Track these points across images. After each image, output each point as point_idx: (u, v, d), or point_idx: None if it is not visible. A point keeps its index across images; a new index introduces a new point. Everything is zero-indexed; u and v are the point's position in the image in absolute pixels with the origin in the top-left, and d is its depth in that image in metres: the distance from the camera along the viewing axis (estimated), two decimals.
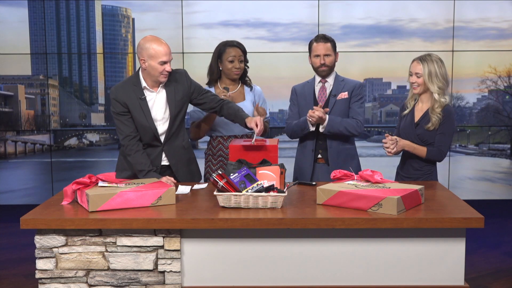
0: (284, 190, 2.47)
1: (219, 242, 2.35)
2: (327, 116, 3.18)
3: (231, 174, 2.49)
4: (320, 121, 3.17)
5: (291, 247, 2.34)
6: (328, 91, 3.33)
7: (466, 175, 6.03)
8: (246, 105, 3.37)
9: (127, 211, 2.38)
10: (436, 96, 3.00)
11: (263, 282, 2.36)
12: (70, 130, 6.04)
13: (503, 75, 5.80)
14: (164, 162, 3.05)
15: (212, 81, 3.48)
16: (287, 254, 2.35)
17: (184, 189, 2.79)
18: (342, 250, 2.34)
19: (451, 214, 2.31)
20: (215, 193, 2.42)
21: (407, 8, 5.70)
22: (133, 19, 5.92)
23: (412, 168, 3.11)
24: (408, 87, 3.25)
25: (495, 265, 4.07)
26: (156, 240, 2.32)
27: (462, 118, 5.99)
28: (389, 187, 2.46)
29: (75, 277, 2.35)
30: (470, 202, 2.54)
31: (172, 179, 2.83)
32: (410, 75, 3.07)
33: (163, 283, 2.35)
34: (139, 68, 2.96)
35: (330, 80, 3.34)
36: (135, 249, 2.33)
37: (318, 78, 3.36)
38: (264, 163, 2.71)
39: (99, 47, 5.95)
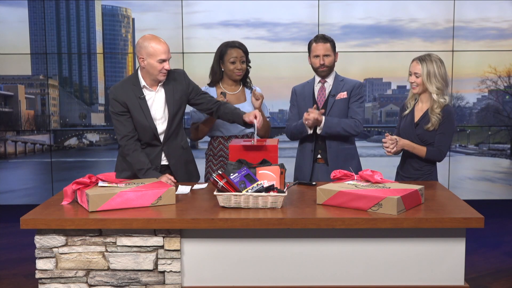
0: (284, 190, 2.47)
1: (219, 242, 2.35)
2: (324, 117, 3.18)
3: (231, 174, 2.49)
4: (317, 123, 3.17)
5: (291, 247, 2.34)
6: (327, 91, 3.33)
7: (466, 175, 6.03)
8: (247, 107, 3.36)
9: (127, 211, 2.38)
10: (434, 96, 3.00)
11: (263, 282, 2.36)
12: (70, 130, 6.04)
13: (503, 75, 5.80)
14: (164, 162, 3.05)
15: (214, 82, 3.47)
16: (287, 254, 2.35)
17: (184, 189, 2.79)
18: (342, 250, 2.34)
19: (451, 214, 2.31)
20: (215, 193, 2.42)
21: (407, 8, 5.70)
22: (133, 19, 5.92)
23: (412, 168, 3.11)
24: (408, 87, 3.26)
25: (495, 265, 4.07)
26: (156, 240, 2.32)
27: (462, 118, 5.99)
28: (389, 187, 2.46)
29: (75, 277, 2.35)
30: (470, 202, 2.54)
31: (172, 178, 2.84)
32: (410, 74, 3.08)
33: (163, 283, 2.35)
34: (138, 68, 2.96)
35: (330, 80, 3.34)
36: (135, 249, 2.33)
37: (317, 78, 3.36)
38: (264, 163, 2.71)
39: (99, 47, 5.95)
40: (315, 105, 3.25)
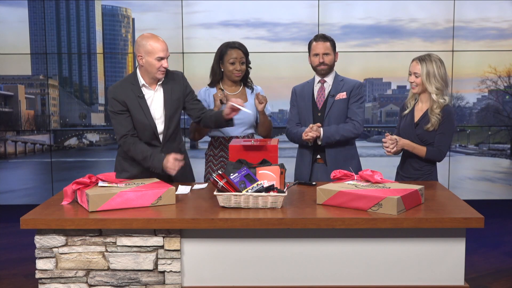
0: (284, 190, 2.47)
1: (219, 242, 2.35)
2: (321, 129, 3.18)
3: (231, 174, 2.49)
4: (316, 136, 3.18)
5: (291, 247, 2.35)
6: (326, 91, 3.32)
7: (466, 175, 6.03)
8: (248, 107, 3.35)
9: (127, 211, 2.38)
10: (434, 96, 3.00)
11: (263, 282, 2.36)
12: (70, 130, 6.04)
13: (503, 75, 5.80)
14: None
15: (214, 82, 3.47)
16: (287, 254, 2.35)
17: (184, 189, 2.79)
18: (342, 250, 2.34)
19: (451, 214, 2.31)
20: (215, 193, 2.42)
21: (407, 8, 5.70)
22: (133, 19, 5.92)
23: (412, 168, 3.11)
24: (408, 87, 3.26)
25: (495, 265, 4.07)
26: (156, 240, 2.32)
27: (462, 118, 5.99)
28: (389, 187, 2.46)
29: (75, 277, 2.35)
30: (470, 202, 2.54)
31: (178, 156, 2.80)
32: (409, 74, 3.08)
33: (163, 283, 2.35)
34: (137, 67, 2.97)
35: (329, 80, 3.34)
36: (135, 249, 2.33)
37: (317, 78, 3.35)
38: (264, 163, 2.71)
39: (99, 47, 5.95)
40: (311, 125, 3.21)
